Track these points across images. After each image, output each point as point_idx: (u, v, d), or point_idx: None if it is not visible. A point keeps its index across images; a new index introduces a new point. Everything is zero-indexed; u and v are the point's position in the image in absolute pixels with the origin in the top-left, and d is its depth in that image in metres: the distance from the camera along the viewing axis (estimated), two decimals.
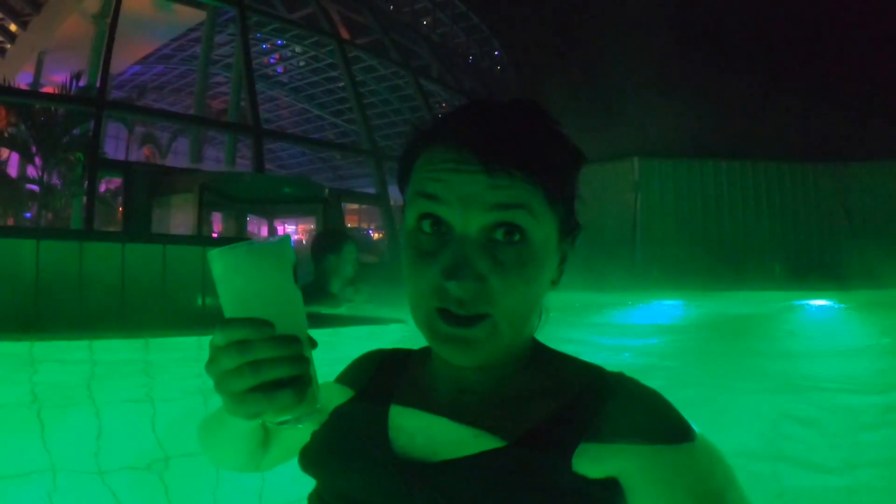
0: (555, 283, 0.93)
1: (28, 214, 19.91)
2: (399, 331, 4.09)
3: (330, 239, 4.63)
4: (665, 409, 0.85)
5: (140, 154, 26.69)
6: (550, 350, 0.99)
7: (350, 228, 27.39)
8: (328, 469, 0.94)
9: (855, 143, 15.82)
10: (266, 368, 0.75)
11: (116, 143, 27.53)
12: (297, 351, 0.77)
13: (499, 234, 0.84)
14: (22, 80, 23.34)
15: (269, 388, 0.75)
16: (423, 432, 0.91)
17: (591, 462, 0.80)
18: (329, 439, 0.97)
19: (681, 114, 16.31)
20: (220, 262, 0.79)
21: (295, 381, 0.77)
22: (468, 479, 0.82)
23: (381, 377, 1.06)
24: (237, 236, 12.86)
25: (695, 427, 0.82)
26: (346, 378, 1.12)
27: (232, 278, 0.78)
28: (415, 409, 0.96)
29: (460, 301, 0.82)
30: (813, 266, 13.66)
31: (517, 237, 0.84)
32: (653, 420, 0.83)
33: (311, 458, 0.97)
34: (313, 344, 0.82)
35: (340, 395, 1.06)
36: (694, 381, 3.71)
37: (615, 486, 0.80)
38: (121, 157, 24.52)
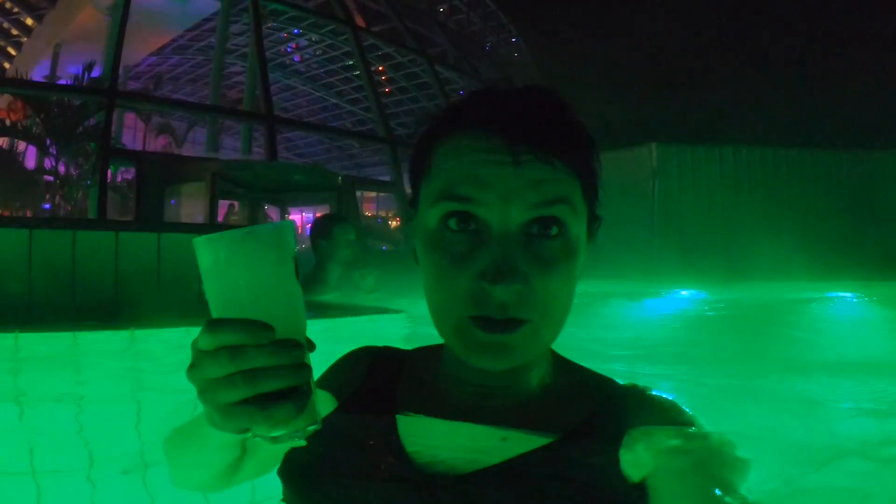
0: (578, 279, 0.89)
1: (47, 206, 20.11)
2: (401, 321, 3.96)
3: (321, 223, 4.47)
4: (682, 411, 0.85)
5: (157, 144, 26.81)
6: (565, 359, 0.95)
7: (368, 217, 27.48)
8: (331, 490, 0.84)
9: (879, 130, 15.46)
10: (263, 379, 0.63)
11: (134, 133, 27.85)
12: (298, 358, 0.66)
13: (536, 229, 0.78)
14: (38, 73, 23.61)
15: (265, 401, 0.64)
16: (445, 441, 0.84)
17: (632, 462, 0.79)
18: (327, 455, 0.86)
19: (701, 99, 16.05)
20: (208, 252, 0.66)
21: (295, 393, 0.66)
22: (509, 488, 0.77)
23: (376, 380, 0.97)
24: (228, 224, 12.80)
25: (707, 426, 0.83)
26: (332, 380, 1.00)
27: (222, 271, 0.66)
28: (428, 416, 0.88)
29: (503, 305, 0.75)
30: (836, 256, 13.38)
31: (556, 230, 0.79)
32: (675, 421, 0.83)
33: (304, 478, 0.87)
34: (311, 347, 0.70)
35: (329, 401, 0.94)
36: (713, 373, 3.56)
37: (644, 491, 0.78)
38: (139, 147, 24.68)
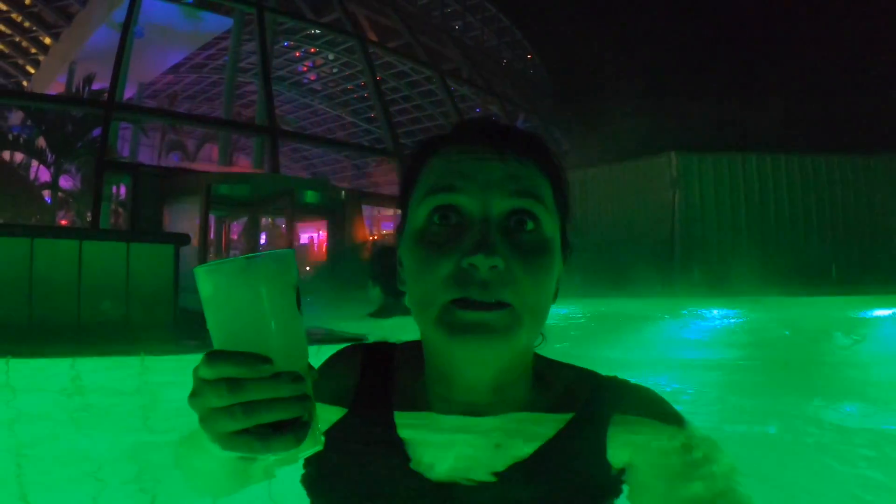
0: (555, 296, 0.90)
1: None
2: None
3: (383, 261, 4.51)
4: (663, 404, 0.89)
5: (169, 161, 26.90)
6: (544, 360, 0.96)
7: (383, 235, 27.36)
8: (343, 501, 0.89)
9: None
10: (262, 411, 0.64)
11: (152, 150, 28.07)
12: (298, 390, 0.66)
13: (514, 223, 0.83)
14: (54, 91, 23.82)
15: (265, 431, 0.65)
16: (443, 451, 0.87)
17: (616, 453, 0.84)
18: (340, 469, 0.90)
19: (722, 105, 15.47)
20: (208, 282, 0.65)
21: (296, 423, 0.66)
22: (511, 493, 0.82)
23: (372, 388, 0.97)
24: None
25: (687, 419, 0.87)
26: (328, 389, 0.95)
27: (222, 301, 0.65)
28: (425, 429, 0.90)
29: (484, 283, 0.79)
30: (869, 266, 12.62)
31: (532, 225, 0.84)
32: (656, 415, 0.87)
33: (321, 491, 0.91)
34: (313, 374, 0.70)
35: (330, 412, 0.95)
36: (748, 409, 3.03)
37: (623, 477, 0.85)
38: (154, 163, 24.73)
